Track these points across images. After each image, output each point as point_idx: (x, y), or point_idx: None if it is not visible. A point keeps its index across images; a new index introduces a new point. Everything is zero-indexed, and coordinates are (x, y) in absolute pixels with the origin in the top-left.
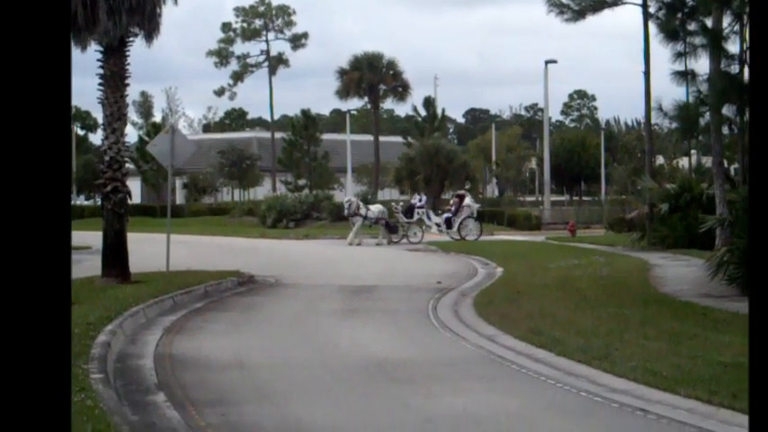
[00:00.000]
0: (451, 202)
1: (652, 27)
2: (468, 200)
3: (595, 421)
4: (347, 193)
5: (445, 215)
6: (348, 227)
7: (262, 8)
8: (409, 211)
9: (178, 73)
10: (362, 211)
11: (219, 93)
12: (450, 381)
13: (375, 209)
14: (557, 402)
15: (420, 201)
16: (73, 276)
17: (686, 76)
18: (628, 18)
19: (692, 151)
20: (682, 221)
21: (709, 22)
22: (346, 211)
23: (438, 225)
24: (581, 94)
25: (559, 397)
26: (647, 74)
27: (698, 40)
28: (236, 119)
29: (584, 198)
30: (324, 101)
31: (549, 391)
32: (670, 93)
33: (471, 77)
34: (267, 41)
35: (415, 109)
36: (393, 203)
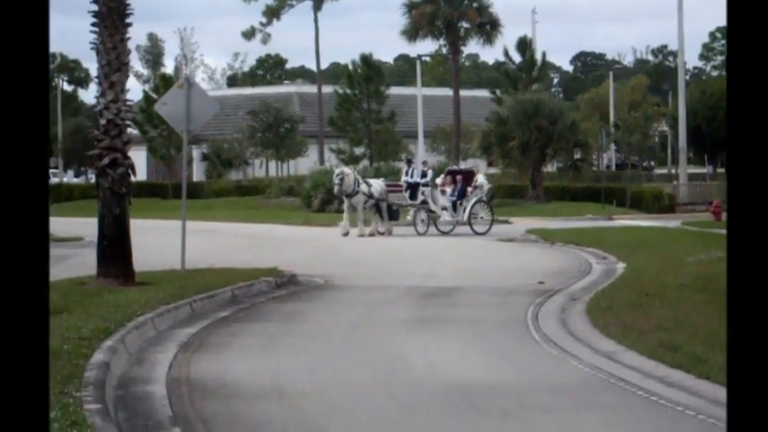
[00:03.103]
0: (439, 181)
1: None
2: (481, 178)
3: None
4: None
5: (447, 197)
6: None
7: None
8: (411, 189)
9: (196, 9)
10: (364, 187)
11: (249, 35)
12: (556, 412)
13: (377, 185)
14: None
15: (425, 176)
16: (61, 276)
17: None
18: None
19: None
20: None
21: None
22: (338, 189)
23: (446, 210)
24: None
25: None
26: None
27: None
28: (272, 69)
29: None
30: (385, 44)
31: (687, 425)
32: None
33: (580, 12)
34: None
35: (506, 53)
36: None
